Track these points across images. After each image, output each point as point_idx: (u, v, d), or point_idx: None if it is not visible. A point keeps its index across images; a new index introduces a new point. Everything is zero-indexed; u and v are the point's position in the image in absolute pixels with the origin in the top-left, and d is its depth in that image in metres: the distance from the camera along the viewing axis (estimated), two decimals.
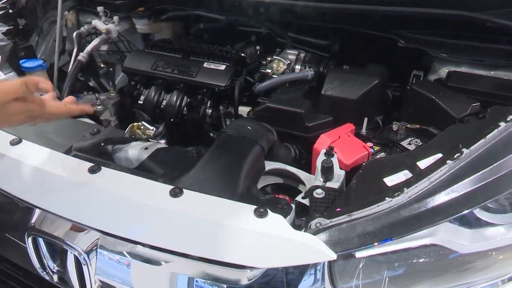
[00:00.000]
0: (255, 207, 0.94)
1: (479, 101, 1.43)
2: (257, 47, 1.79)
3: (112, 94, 2.01)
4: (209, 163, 1.13)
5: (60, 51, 2.15)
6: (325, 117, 1.51)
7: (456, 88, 1.51)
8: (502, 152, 0.94)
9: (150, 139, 1.29)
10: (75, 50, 2.00)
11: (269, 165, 1.29)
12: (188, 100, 1.68)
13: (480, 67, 1.58)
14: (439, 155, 1.00)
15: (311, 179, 1.25)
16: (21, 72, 1.71)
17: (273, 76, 1.67)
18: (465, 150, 0.95)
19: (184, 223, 0.93)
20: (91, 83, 2.27)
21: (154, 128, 1.35)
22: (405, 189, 0.92)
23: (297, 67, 1.73)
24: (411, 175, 0.98)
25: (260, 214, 0.92)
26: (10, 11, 1.90)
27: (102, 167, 1.07)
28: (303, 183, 1.27)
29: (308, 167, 1.50)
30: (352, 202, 0.96)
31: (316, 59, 1.72)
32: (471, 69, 1.61)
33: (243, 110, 1.67)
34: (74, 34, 2.01)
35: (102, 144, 1.18)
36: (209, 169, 1.11)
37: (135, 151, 1.25)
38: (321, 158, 1.18)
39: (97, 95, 1.95)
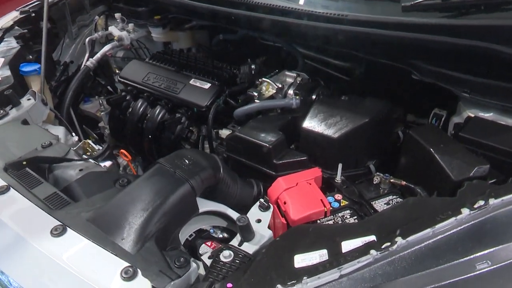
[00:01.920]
0: (126, 265, 0.79)
1: (497, 162, 1.11)
2: (252, 66, 1.62)
3: None
4: (126, 197, 1.01)
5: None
6: (299, 155, 1.29)
7: (468, 140, 1.19)
8: (449, 254, 0.68)
9: (92, 160, 1.20)
10: (86, 55, 2.02)
11: (207, 206, 1.13)
12: (167, 117, 1.58)
13: None
14: (372, 238, 0.76)
15: None
16: (20, 76, 1.75)
17: (256, 100, 1.49)
18: (399, 241, 0.70)
19: (45, 269, 0.82)
20: (109, 87, 2.30)
21: (100, 148, 1.27)
22: (305, 277, 0.70)
23: (290, 92, 1.53)
24: (326, 258, 0.75)
25: (126, 276, 0.78)
26: (33, 15, 1.97)
27: (11, 189, 1.01)
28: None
29: None
30: (244, 280, 0.76)
31: (311, 86, 1.50)
32: (501, 116, 1.27)
33: (225, 133, 1.52)
34: (87, 39, 2.03)
35: (24, 163, 1.11)
36: (121, 205, 0.99)
37: (71, 171, 1.17)
38: (252, 212, 0.99)
39: (100, 101, 1.95)
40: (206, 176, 1.09)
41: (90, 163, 1.19)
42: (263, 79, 1.54)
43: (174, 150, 1.54)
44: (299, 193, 1.10)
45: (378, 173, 1.19)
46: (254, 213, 0.99)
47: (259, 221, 0.97)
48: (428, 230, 0.70)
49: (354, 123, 1.25)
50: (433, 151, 1.14)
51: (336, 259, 0.72)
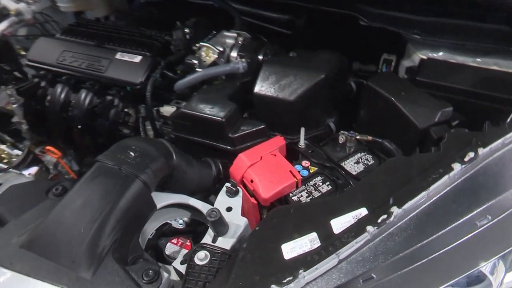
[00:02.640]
0: None
1: (457, 103, 1.09)
2: (186, 30, 1.43)
3: None
4: (66, 210, 0.84)
5: None
6: (256, 124, 1.18)
7: (426, 84, 1.15)
8: (449, 216, 0.62)
9: (12, 169, 0.99)
10: None
11: (167, 199, 0.99)
12: (96, 102, 1.36)
13: (463, 52, 1.22)
14: (363, 212, 0.68)
15: None
16: None
17: (197, 69, 1.32)
18: (395, 211, 0.62)
19: None
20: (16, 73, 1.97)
21: (19, 153, 1.05)
22: (301, 271, 0.61)
23: (233, 54, 1.38)
24: (318, 244, 0.67)
25: None
26: None
27: None
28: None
29: None
30: (231, 285, 0.65)
31: (256, 45, 1.37)
32: (451, 54, 1.24)
33: (167, 110, 1.35)
34: None
35: None
36: (62, 220, 0.82)
37: None
38: (220, 199, 0.87)
39: (9, 92, 1.65)
40: (158, 167, 0.94)
41: (10, 173, 0.98)
42: (201, 43, 1.36)
43: (111, 137, 1.37)
44: (265, 167, 1.00)
45: (342, 131, 1.12)
46: (222, 201, 0.88)
47: (229, 209, 0.86)
48: (423, 193, 0.64)
49: (310, 81, 1.16)
50: (395, 100, 1.08)
51: (331, 243, 0.64)
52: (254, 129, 1.16)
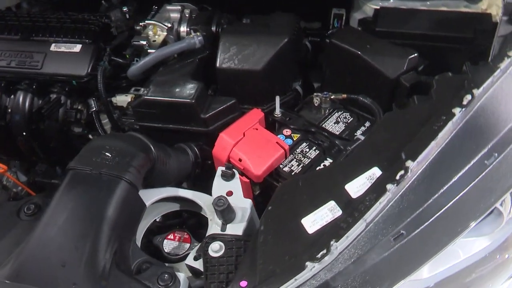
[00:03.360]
0: None
1: (417, 47, 1.11)
2: (124, 8, 1.30)
3: None
4: (50, 229, 0.74)
5: None
6: (226, 100, 1.12)
7: (386, 34, 1.17)
8: (459, 162, 0.64)
9: None
10: None
11: (155, 194, 0.92)
12: (40, 103, 1.21)
13: None
14: (375, 171, 0.68)
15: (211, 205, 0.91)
16: None
17: (149, 50, 1.22)
18: (410, 165, 0.63)
19: None
20: None
21: None
22: (333, 242, 0.60)
23: (182, 29, 1.28)
24: (340, 212, 0.66)
25: None
26: None
27: None
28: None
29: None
30: (261, 271, 0.63)
31: (207, 16, 1.28)
32: (402, 0, 1.26)
33: (123, 100, 1.24)
34: None
35: None
36: (49, 242, 0.73)
37: None
38: (217, 185, 0.82)
39: None
40: (140, 163, 0.86)
41: None
42: (147, 21, 1.25)
43: (63, 139, 1.24)
44: (251, 143, 0.96)
45: (316, 93, 1.11)
46: (219, 186, 0.84)
47: (230, 193, 0.82)
48: (432, 143, 0.64)
49: (274, 47, 1.11)
50: (362, 54, 1.08)
51: (355, 208, 0.63)
52: (225, 105, 1.10)
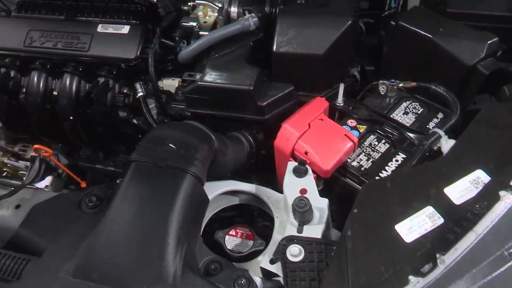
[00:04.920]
0: None
1: (494, 31, 1.01)
2: None
3: None
4: (116, 224, 0.71)
5: None
6: (283, 87, 1.05)
7: (459, 15, 1.07)
8: None
9: (26, 185, 0.82)
10: None
11: (216, 188, 0.88)
12: (88, 86, 1.16)
13: None
14: (480, 175, 0.61)
15: (278, 201, 0.86)
16: None
17: (200, 32, 1.15)
18: None
19: None
20: None
21: (28, 164, 0.87)
22: (439, 255, 0.54)
23: (233, 9, 1.21)
24: (441, 220, 0.59)
25: None
26: None
27: None
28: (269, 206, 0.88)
29: (269, 161, 1.10)
30: (353, 282, 0.58)
31: None
32: None
33: (170, 84, 1.18)
34: None
35: None
36: (117, 238, 0.69)
37: (3, 214, 0.79)
38: (289, 182, 0.77)
39: None
40: (204, 155, 0.81)
41: (26, 190, 0.81)
42: (196, 1, 1.17)
43: (110, 124, 1.20)
44: (317, 135, 0.90)
45: (382, 81, 1.03)
46: (291, 183, 0.78)
47: (304, 191, 0.76)
48: None
49: (337, 30, 1.03)
50: (434, 38, 0.99)
51: (462, 216, 0.56)
52: (283, 92, 1.04)
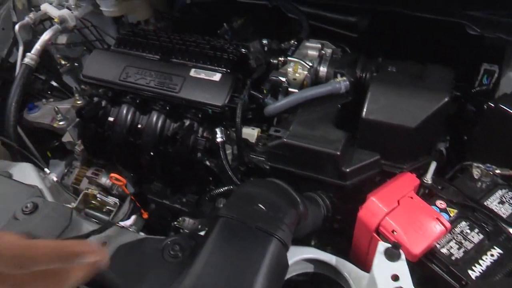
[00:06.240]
0: None
1: None
2: (264, 41, 1.27)
3: (79, 102, 1.54)
4: (200, 281, 0.69)
5: (11, 43, 1.66)
6: (369, 154, 1.03)
7: None
8: None
9: (113, 222, 0.84)
10: (20, 49, 1.50)
11: (296, 253, 0.85)
12: (172, 126, 1.20)
13: None
14: None
15: (359, 279, 0.82)
16: None
17: (290, 89, 1.17)
18: None
19: None
20: (54, 83, 1.79)
21: (116, 201, 0.90)
22: None
23: (322, 69, 1.22)
24: None
25: None
26: None
27: None
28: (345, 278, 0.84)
29: (342, 227, 1.07)
30: None
31: (351, 60, 1.20)
32: None
33: (249, 133, 1.20)
34: (17, 27, 1.50)
35: None
36: None
37: None
38: (379, 264, 0.73)
39: (56, 108, 1.48)
40: (292, 221, 0.80)
41: (113, 227, 0.83)
42: (289, 58, 1.20)
43: (187, 165, 1.22)
44: (407, 214, 0.86)
45: (477, 164, 0.98)
46: (382, 266, 0.74)
47: (396, 278, 0.72)
48: None
49: (433, 105, 1.01)
50: None
51: None
52: (369, 161, 1.02)
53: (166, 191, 1.36)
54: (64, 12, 1.49)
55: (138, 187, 1.43)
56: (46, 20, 1.62)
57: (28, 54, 1.45)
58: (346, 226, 1.08)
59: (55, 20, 1.48)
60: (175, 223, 1.37)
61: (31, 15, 1.53)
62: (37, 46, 1.46)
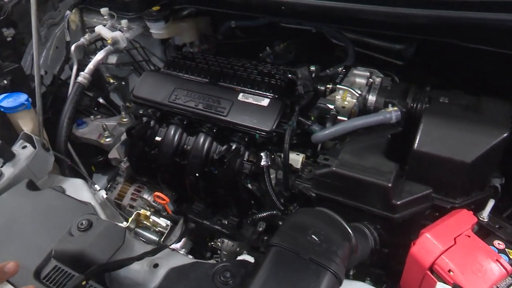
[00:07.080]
0: None
1: None
2: (312, 68, 1.28)
3: (125, 120, 1.59)
4: None
5: (63, 61, 1.75)
6: (420, 188, 1.01)
7: None
8: None
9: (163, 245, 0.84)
10: (74, 68, 1.56)
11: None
12: (219, 148, 1.22)
13: None
14: None
15: None
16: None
17: (339, 117, 1.16)
18: None
19: None
20: (101, 100, 1.86)
21: (168, 223, 0.91)
22: None
23: (371, 98, 1.21)
24: None
25: None
26: None
27: None
28: None
29: (392, 262, 1.03)
30: None
31: (402, 89, 1.19)
32: None
33: (294, 159, 1.20)
34: (73, 47, 1.57)
35: (84, 283, 0.74)
36: None
37: (140, 269, 0.81)
38: None
39: (104, 125, 1.53)
40: (345, 255, 0.78)
41: (165, 250, 0.83)
42: (339, 86, 1.20)
43: (231, 187, 1.22)
44: (464, 254, 0.82)
45: None
46: None
47: None
48: None
49: (490, 139, 0.97)
50: None
51: None
52: (421, 194, 0.99)
53: (207, 212, 1.37)
54: (117, 34, 1.55)
55: (177, 205, 1.45)
56: (97, 41, 1.69)
57: (81, 73, 1.51)
58: (390, 259, 1.05)
59: (108, 41, 1.55)
60: (212, 243, 1.38)
61: (87, 36, 1.60)
62: (90, 65, 1.52)
